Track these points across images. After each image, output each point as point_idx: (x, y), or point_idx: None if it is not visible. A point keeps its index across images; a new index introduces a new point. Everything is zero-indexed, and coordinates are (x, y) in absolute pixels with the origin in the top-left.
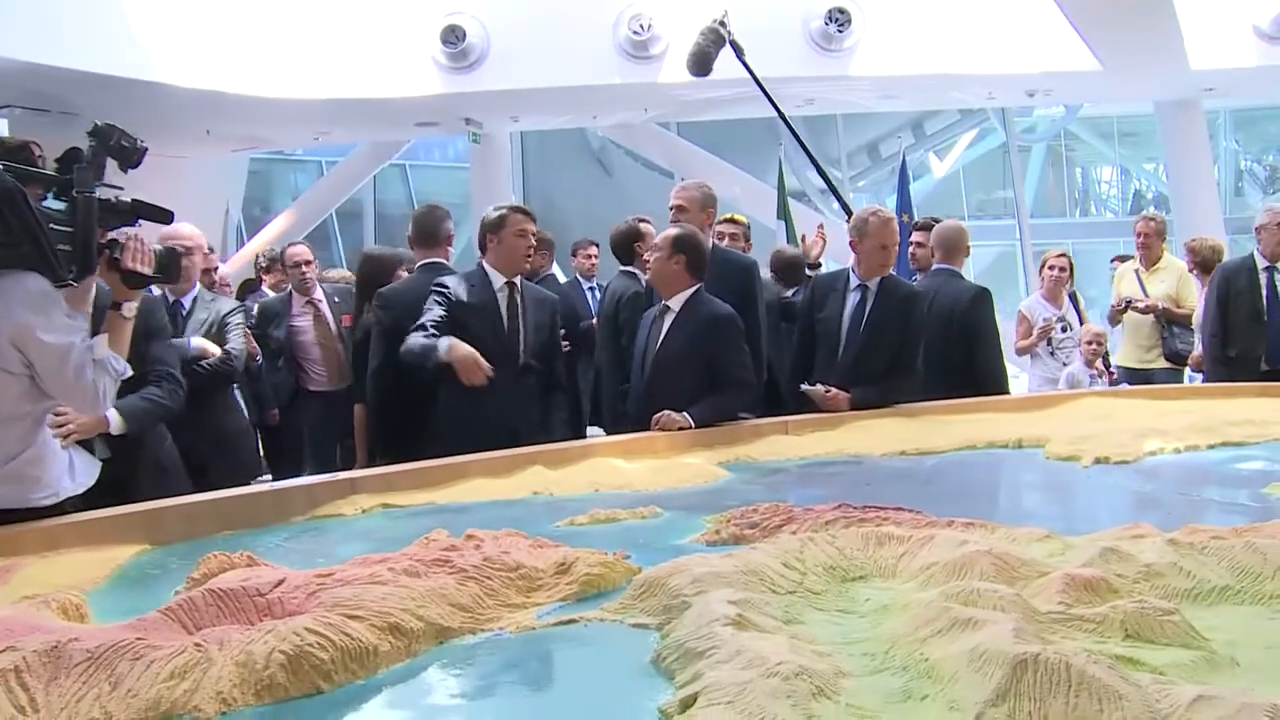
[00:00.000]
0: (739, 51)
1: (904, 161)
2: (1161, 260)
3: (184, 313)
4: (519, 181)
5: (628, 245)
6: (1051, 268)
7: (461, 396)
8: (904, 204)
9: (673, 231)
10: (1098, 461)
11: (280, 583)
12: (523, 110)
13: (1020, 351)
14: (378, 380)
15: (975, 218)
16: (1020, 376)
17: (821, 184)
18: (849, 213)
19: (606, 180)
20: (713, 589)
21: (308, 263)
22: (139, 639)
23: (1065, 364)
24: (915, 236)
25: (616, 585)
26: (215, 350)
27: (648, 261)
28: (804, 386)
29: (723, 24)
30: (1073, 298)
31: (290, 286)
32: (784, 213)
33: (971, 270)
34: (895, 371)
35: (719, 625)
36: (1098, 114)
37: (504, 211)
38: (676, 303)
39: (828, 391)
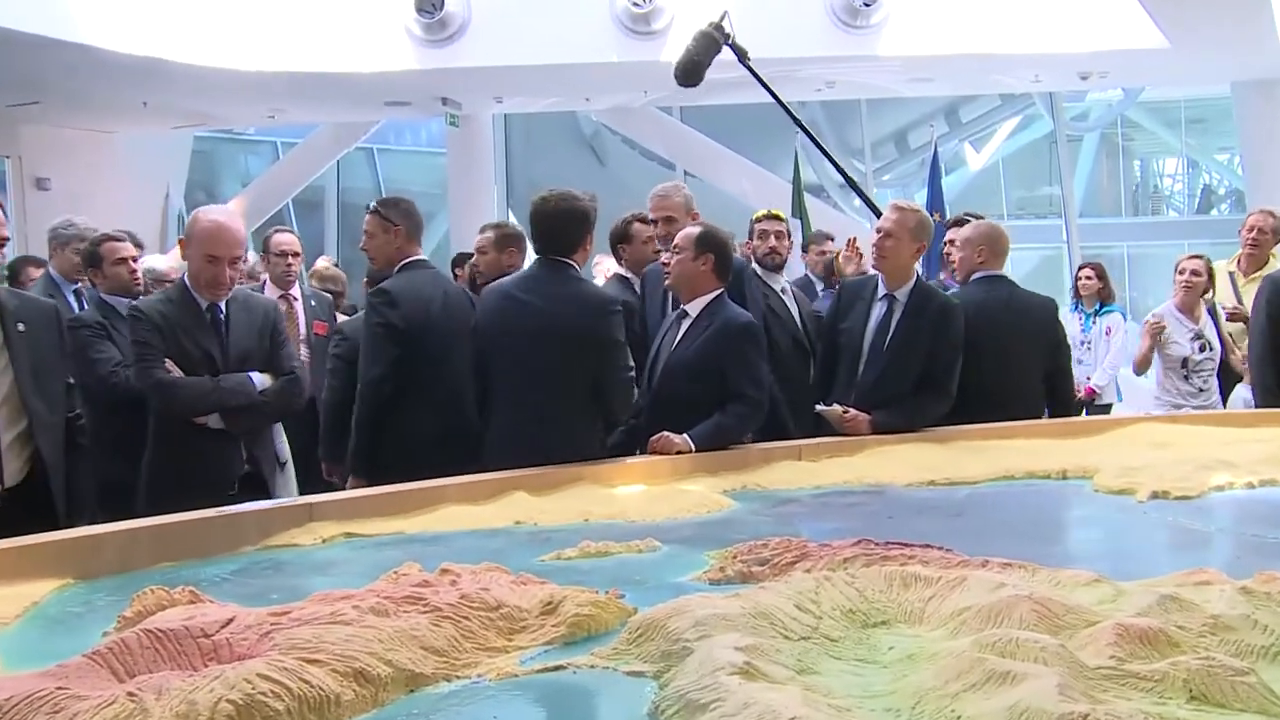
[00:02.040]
0: (742, 55)
1: (936, 153)
2: (1267, 267)
3: (221, 315)
4: (502, 170)
5: (614, 247)
6: (1182, 272)
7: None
8: (935, 201)
9: (695, 230)
10: (1155, 496)
11: (228, 622)
12: (507, 90)
13: (1138, 367)
14: (378, 389)
15: (1016, 217)
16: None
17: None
18: (875, 211)
19: (600, 170)
20: (717, 633)
21: (295, 254)
22: (60, 689)
23: (1202, 389)
24: (949, 234)
25: (609, 628)
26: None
27: (667, 265)
28: (819, 407)
29: (719, 27)
30: (1212, 311)
31: (266, 278)
32: (799, 210)
33: (1011, 276)
34: (924, 392)
35: (724, 674)
36: (1162, 98)
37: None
38: (695, 308)
39: (845, 413)
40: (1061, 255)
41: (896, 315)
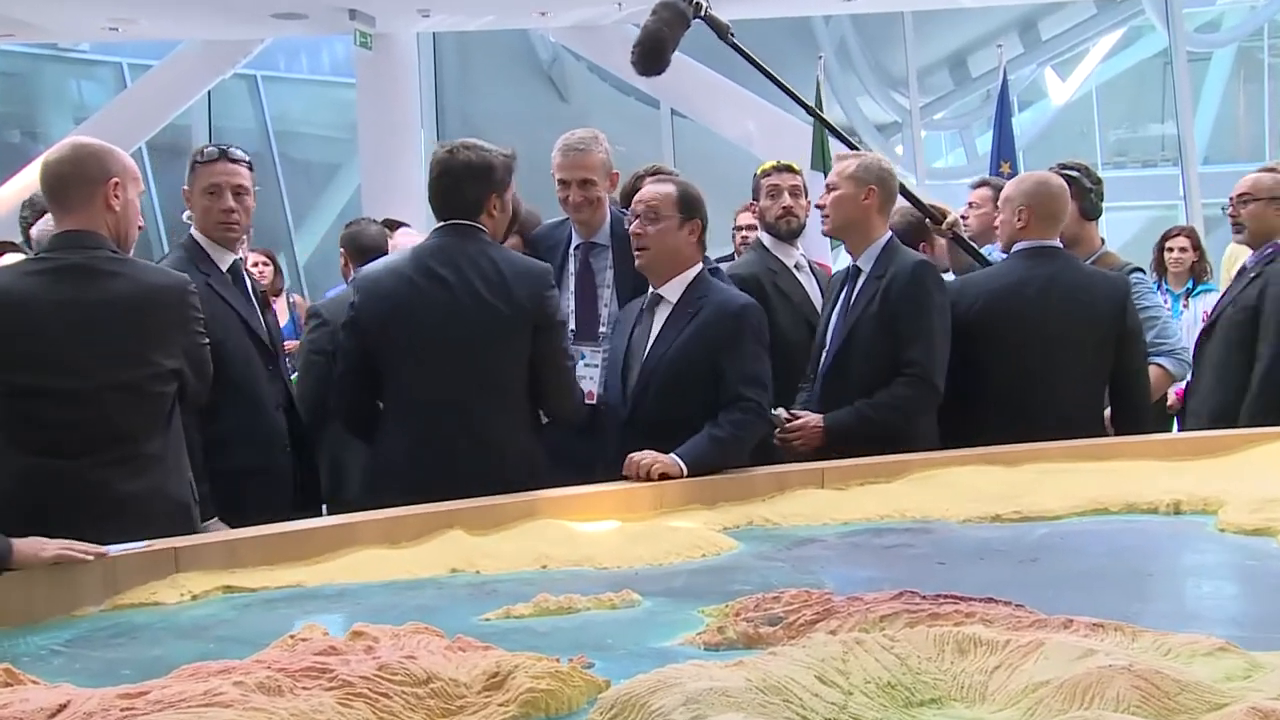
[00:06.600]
0: (721, 32)
1: (1005, 83)
2: None
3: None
4: (429, 106)
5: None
6: None
7: None
8: (1005, 147)
9: (670, 188)
10: None
11: (60, 709)
12: (436, 1)
13: None
14: None
15: (1114, 165)
16: None
17: (888, 115)
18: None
19: (561, 107)
20: (714, 713)
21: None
22: None
23: None
24: (973, 196)
25: (574, 707)
26: None
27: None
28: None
29: None
30: None
31: None
32: (822, 159)
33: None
34: (894, 385)
35: None
36: None
37: None
38: (674, 290)
39: (790, 419)
40: (1177, 216)
41: (859, 286)
